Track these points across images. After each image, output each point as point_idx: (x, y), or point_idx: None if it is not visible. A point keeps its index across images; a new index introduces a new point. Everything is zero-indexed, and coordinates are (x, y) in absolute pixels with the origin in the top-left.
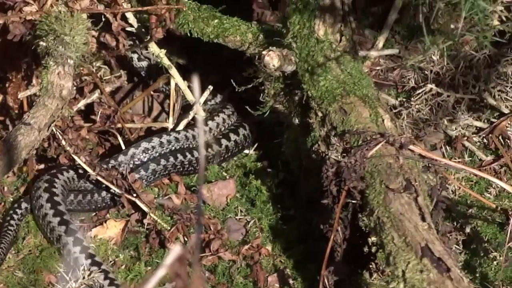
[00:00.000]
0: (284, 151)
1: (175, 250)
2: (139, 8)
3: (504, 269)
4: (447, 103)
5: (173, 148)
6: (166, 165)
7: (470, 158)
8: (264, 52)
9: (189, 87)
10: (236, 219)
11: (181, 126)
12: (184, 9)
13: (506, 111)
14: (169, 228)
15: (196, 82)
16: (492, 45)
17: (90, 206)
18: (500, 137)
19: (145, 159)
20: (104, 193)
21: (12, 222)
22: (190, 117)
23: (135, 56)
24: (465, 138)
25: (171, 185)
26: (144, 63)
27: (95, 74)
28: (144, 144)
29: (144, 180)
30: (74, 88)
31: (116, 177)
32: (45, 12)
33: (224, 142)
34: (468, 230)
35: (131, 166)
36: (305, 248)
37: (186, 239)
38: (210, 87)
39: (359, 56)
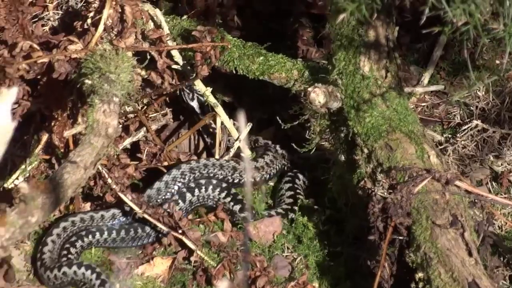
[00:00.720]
0: (330, 188)
1: (222, 286)
2: (184, 46)
3: None
4: (492, 139)
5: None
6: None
7: None
8: (309, 89)
9: (234, 124)
10: (282, 256)
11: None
12: (229, 47)
13: None
14: (215, 265)
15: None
16: None
17: (134, 242)
18: None
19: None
20: (148, 229)
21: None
22: (232, 153)
23: (188, 94)
24: (511, 173)
25: (217, 222)
26: (196, 102)
27: (140, 112)
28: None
29: (183, 211)
30: (120, 126)
31: (163, 215)
32: (90, 50)
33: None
34: None
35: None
36: (352, 285)
37: (232, 276)
38: (250, 124)
39: (405, 92)
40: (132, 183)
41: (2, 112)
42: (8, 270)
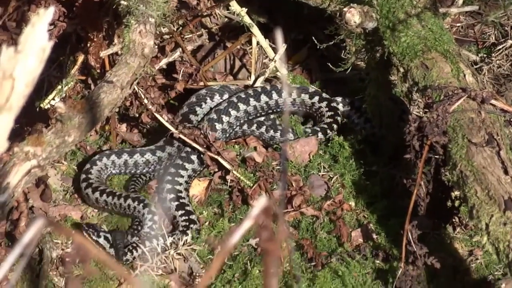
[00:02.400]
0: (365, 108)
1: (260, 202)
2: None
3: None
4: None
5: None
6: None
7: None
8: (345, 9)
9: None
10: (318, 175)
11: (258, 84)
12: None
13: None
14: (251, 185)
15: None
16: None
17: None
18: None
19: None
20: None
21: None
22: (268, 73)
23: None
24: None
25: (250, 147)
26: None
27: (176, 33)
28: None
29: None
30: (156, 47)
31: (198, 135)
32: None
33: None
34: None
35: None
36: (388, 203)
37: (268, 195)
38: (285, 45)
39: (440, 12)
40: (168, 102)
41: (39, 32)
42: (45, 189)
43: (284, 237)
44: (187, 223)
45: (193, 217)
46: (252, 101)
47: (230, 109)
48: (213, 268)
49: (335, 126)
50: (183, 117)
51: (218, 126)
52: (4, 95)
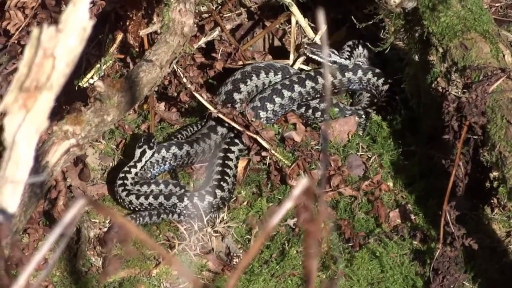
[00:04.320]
0: (404, 88)
1: (302, 182)
2: None
3: None
4: None
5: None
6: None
7: None
8: None
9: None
10: (357, 155)
11: (298, 64)
12: None
13: None
14: (290, 164)
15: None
16: None
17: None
18: None
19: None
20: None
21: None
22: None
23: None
24: None
25: (289, 125)
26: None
27: (215, 12)
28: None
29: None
30: (195, 26)
31: (237, 115)
32: None
33: None
34: None
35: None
36: (427, 184)
37: (307, 175)
38: (324, 27)
39: None
40: (207, 81)
41: (81, 11)
42: (84, 168)
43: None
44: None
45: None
46: (297, 87)
47: (274, 96)
48: (253, 249)
49: (374, 108)
50: (226, 95)
51: (263, 114)
52: (45, 74)
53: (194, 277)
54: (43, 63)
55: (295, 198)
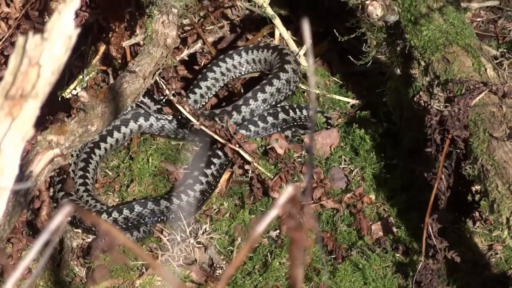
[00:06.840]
0: (386, 101)
1: (288, 190)
2: None
3: None
4: None
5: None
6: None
7: None
8: (367, 2)
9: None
10: (339, 167)
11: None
12: None
13: None
14: (272, 177)
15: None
16: None
17: None
18: None
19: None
20: None
21: None
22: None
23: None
24: None
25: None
26: None
27: (197, 24)
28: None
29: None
30: (178, 37)
31: (219, 128)
32: None
33: None
34: None
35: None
36: (408, 197)
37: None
38: (310, 40)
39: (461, 7)
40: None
41: (66, 20)
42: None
43: (310, 227)
44: None
45: None
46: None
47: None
48: (237, 260)
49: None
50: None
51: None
52: (30, 82)
53: (180, 285)
54: (28, 71)
55: (280, 206)
